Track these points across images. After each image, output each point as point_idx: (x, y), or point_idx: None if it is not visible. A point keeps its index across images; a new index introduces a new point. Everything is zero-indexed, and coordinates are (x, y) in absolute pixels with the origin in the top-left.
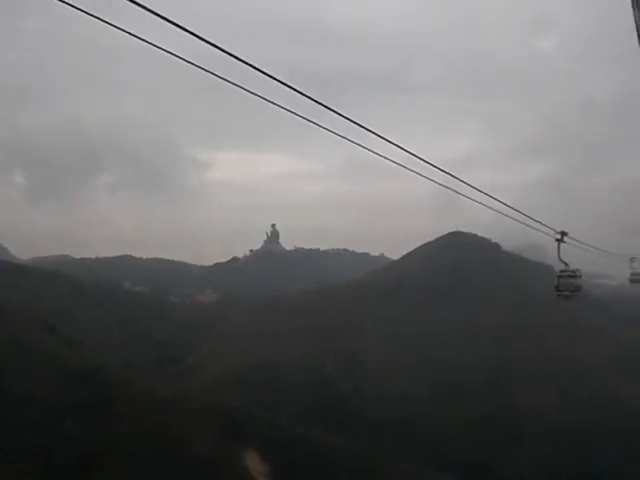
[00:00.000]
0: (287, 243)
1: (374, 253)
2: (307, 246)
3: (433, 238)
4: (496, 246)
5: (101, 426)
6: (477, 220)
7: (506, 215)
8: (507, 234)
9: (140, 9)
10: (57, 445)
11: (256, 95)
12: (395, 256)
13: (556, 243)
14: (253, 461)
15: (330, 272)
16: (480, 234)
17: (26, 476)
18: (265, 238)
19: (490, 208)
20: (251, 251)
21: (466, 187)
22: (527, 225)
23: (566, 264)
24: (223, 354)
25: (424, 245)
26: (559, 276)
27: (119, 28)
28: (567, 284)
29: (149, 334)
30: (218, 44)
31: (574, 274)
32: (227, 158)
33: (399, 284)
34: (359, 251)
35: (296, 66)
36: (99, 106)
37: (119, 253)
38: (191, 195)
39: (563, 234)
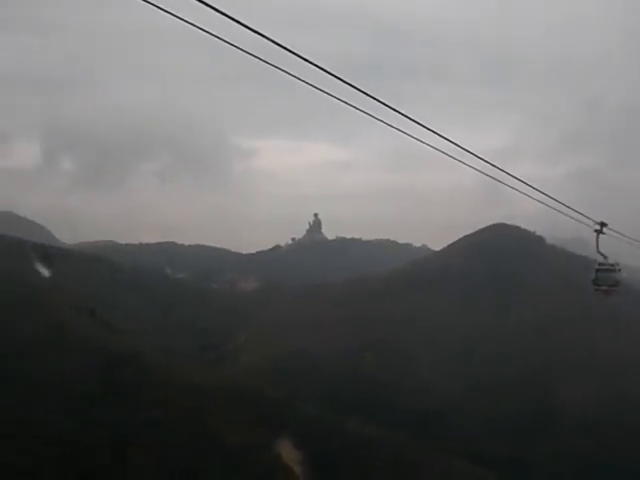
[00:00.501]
0: (329, 232)
1: (416, 244)
2: (349, 235)
3: (476, 230)
4: (540, 239)
5: (135, 412)
6: (521, 212)
7: (546, 205)
8: (551, 227)
9: None
10: (88, 431)
11: (299, 79)
12: (438, 247)
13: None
14: (287, 449)
15: (372, 262)
16: (523, 226)
17: (54, 461)
18: (307, 227)
19: (531, 197)
20: (293, 239)
21: (508, 178)
22: (567, 215)
23: (605, 257)
24: (262, 342)
25: (467, 236)
26: (597, 270)
27: (164, 10)
28: (605, 278)
29: (189, 321)
30: (261, 31)
31: (613, 268)
32: (271, 146)
33: (440, 275)
34: (401, 241)
35: (328, 53)
36: (145, 95)
37: (163, 240)
38: (234, 183)
39: (602, 225)
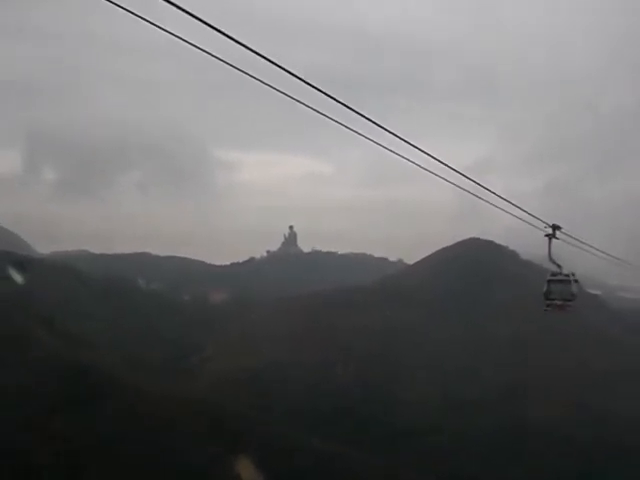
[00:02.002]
0: (305, 245)
1: (392, 258)
2: (325, 249)
3: (451, 244)
4: (513, 254)
5: (90, 425)
6: (494, 227)
7: (508, 212)
8: (525, 242)
9: (165, 4)
10: (41, 444)
11: (281, 92)
12: (413, 261)
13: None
14: (246, 469)
15: (347, 276)
16: (497, 241)
17: (7, 477)
18: (283, 240)
19: (500, 209)
20: (268, 252)
21: (482, 192)
22: (522, 220)
23: (559, 266)
24: (231, 354)
25: (441, 251)
26: (549, 281)
27: (148, 21)
28: (559, 291)
29: (157, 332)
30: (244, 42)
31: (567, 278)
32: (253, 159)
33: (414, 289)
34: (377, 255)
35: (308, 67)
36: (130, 105)
37: (138, 250)
38: (214, 195)
39: (555, 228)
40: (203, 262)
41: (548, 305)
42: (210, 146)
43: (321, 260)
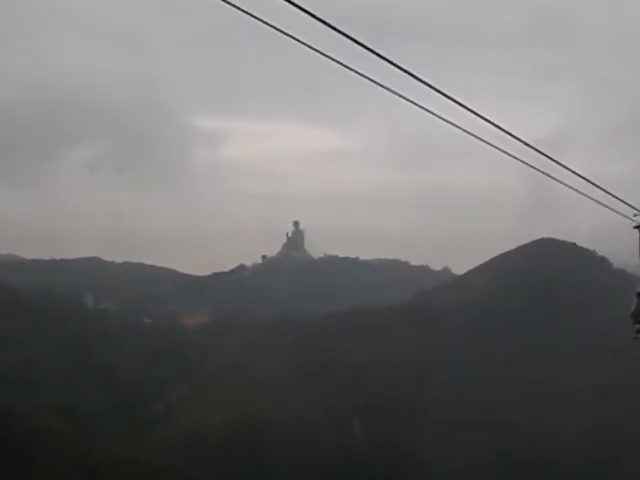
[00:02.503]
0: (314, 249)
1: (435, 266)
2: (342, 253)
3: (514, 247)
4: (603, 261)
5: None
6: (576, 225)
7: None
8: (620, 245)
9: None
10: None
11: (281, 32)
12: (463, 271)
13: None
14: None
15: (372, 291)
16: (580, 244)
17: None
18: (285, 241)
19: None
20: (264, 257)
21: (559, 173)
22: (615, 211)
23: None
24: (205, 402)
25: (501, 256)
26: None
27: None
28: None
29: (106, 369)
30: None
31: None
32: (243, 129)
33: (459, 310)
34: (414, 263)
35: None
36: (78, 58)
37: (86, 254)
38: (187, 179)
39: None
40: (175, 271)
41: (639, 331)
42: (186, 112)
43: (336, 269)
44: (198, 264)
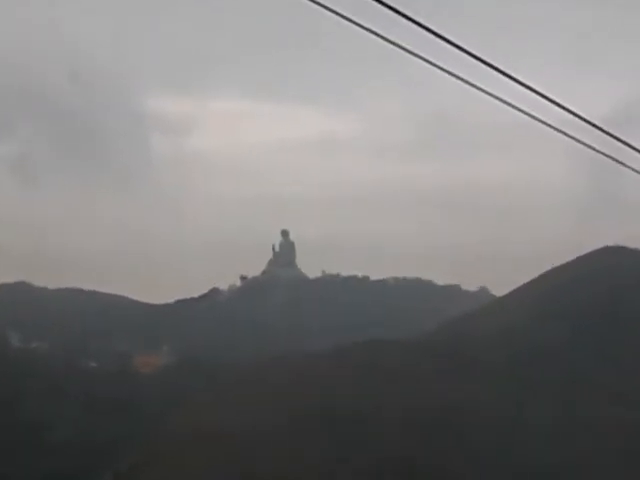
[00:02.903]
0: (309, 265)
1: (468, 286)
2: (347, 271)
3: (570, 259)
4: None
5: None
6: None
7: None
8: None
9: None
10: None
11: None
12: (504, 292)
13: None
14: None
15: (389, 318)
16: None
17: None
18: (270, 256)
19: None
20: (244, 278)
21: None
22: None
23: None
24: (161, 470)
25: (553, 272)
26: None
27: None
28: None
29: (38, 428)
30: None
31: None
32: (213, 111)
33: (503, 340)
34: (441, 282)
35: None
36: None
37: (9, 280)
38: (145, 179)
39: None
40: (126, 299)
41: None
42: (139, 91)
43: (338, 291)
44: (157, 289)
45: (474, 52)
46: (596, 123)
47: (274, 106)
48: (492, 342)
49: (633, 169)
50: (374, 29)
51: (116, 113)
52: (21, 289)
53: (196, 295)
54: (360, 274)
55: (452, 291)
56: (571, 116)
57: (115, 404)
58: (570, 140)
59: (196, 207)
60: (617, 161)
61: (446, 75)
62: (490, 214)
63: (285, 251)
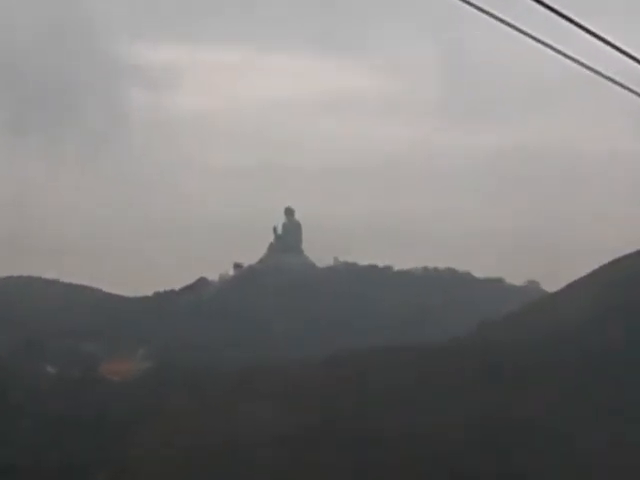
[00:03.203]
0: (317, 251)
1: (514, 279)
2: (364, 260)
3: (635, 249)
4: None
5: None
6: None
7: None
8: None
9: None
10: None
11: None
12: (557, 287)
13: None
14: None
15: (415, 318)
16: None
17: None
18: (271, 240)
19: None
20: (238, 267)
21: None
22: None
23: None
24: None
25: (614, 263)
26: None
27: None
28: None
29: None
30: None
31: None
32: (203, 62)
33: (555, 345)
34: (480, 275)
35: None
36: None
37: None
38: (118, 144)
39: None
40: (93, 290)
41: None
42: (113, 37)
43: (353, 284)
44: (131, 279)
45: None
46: None
47: (277, 58)
48: (542, 347)
49: None
50: None
51: (84, 63)
52: None
53: (179, 287)
54: (381, 263)
55: (494, 286)
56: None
57: (78, 420)
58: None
59: (180, 179)
60: None
61: (481, 15)
62: (542, 190)
63: (289, 234)
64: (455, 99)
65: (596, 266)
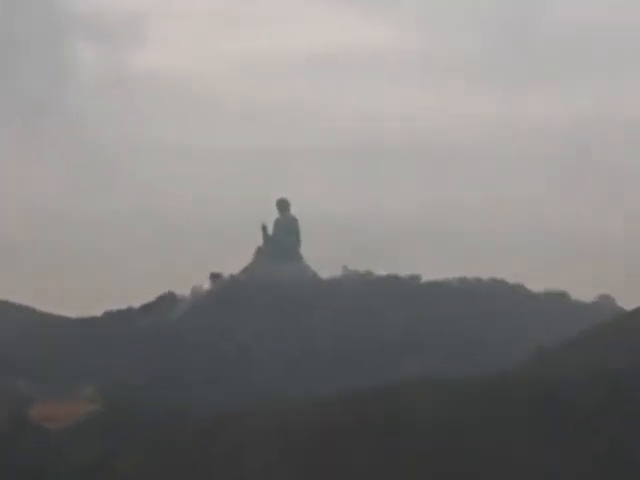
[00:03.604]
0: (321, 257)
1: (583, 295)
2: (383, 269)
3: None
4: None
5: None
6: None
7: None
8: None
9: None
10: None
11: None
12: (635, 302)
13: None
14: None
15: (449, 345)
16: None
17: None
18: (259, 242)
19: None
20: (215, 278)
21: None
22: None
23: None
24: None
25: None
26: None
27: None
28: None
29: None
30: None
31: None
32: (171, 8)
33: (636, 379)
34: (538, 288)
35: None
36: None
37: None
38: (62, 115)
39: None
40: (30, 310)
41: None
42: None
43: (368, 300)
44: (75, 294)
45: None
46: None
47: (269, 4)
48: (619, 380)
49: None
50: None
51: (21, 12)
52: None
53: (138, 304)
54: (405, 272)
55: (556, 301)
56: None
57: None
58: None
59: (142, 161)
60: None
61: None
62: (619, 179)
63: (283, 234)
64: (520, 59)
65: None
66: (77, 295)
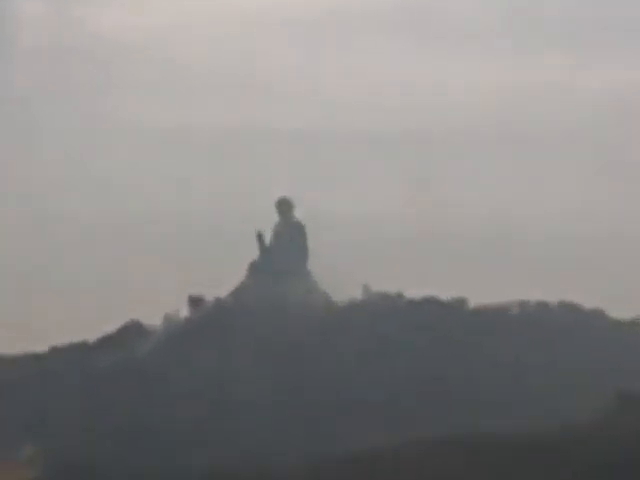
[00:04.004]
0: (336, 275)
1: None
2: (414, 291)
3: None
4: None
5: None
6: None
7: None
8: None
9: None
10: None
11: None
12: None
13: None
14: None
15: (503, 387)
16: None
17: None
18: (253, 255)
19: None
20: (195, 303)
21: None
22: None
23: None
24: None
25: None
26: None
27: None
28: None
29: None
30: None
31: None
32: None
33: None
34: (621, 316)
35: None
36: None
37: None
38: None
39: None
40: None
41: None
42: None
43: (396, 331)
44: (14, 325)
45: None
46: None
47: None
48: None
49: None
50: None
51: None
52: None
53: (95, 337)
54: (444, 295)
55: (633, 330)
56: None
57: None
58: None
59: (103, 146)
60: None
61: None
62: None
63: (284, 245)
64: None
65: None
66: (14, 326)
